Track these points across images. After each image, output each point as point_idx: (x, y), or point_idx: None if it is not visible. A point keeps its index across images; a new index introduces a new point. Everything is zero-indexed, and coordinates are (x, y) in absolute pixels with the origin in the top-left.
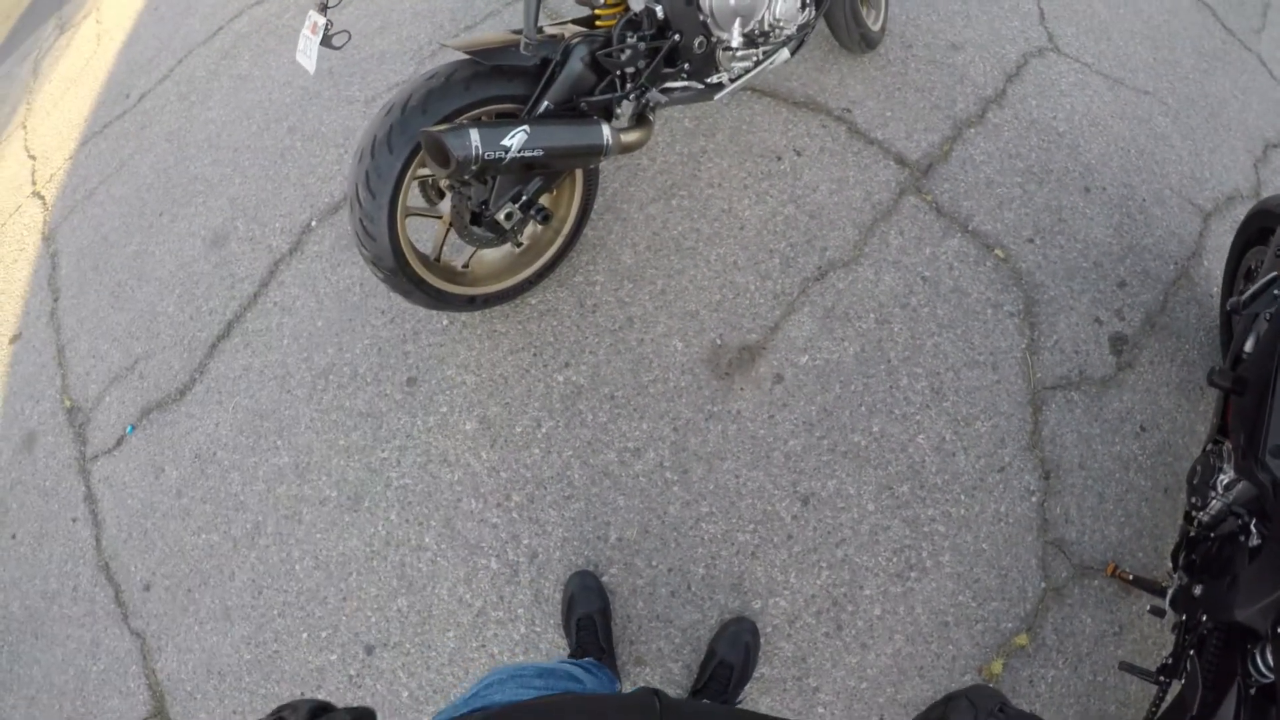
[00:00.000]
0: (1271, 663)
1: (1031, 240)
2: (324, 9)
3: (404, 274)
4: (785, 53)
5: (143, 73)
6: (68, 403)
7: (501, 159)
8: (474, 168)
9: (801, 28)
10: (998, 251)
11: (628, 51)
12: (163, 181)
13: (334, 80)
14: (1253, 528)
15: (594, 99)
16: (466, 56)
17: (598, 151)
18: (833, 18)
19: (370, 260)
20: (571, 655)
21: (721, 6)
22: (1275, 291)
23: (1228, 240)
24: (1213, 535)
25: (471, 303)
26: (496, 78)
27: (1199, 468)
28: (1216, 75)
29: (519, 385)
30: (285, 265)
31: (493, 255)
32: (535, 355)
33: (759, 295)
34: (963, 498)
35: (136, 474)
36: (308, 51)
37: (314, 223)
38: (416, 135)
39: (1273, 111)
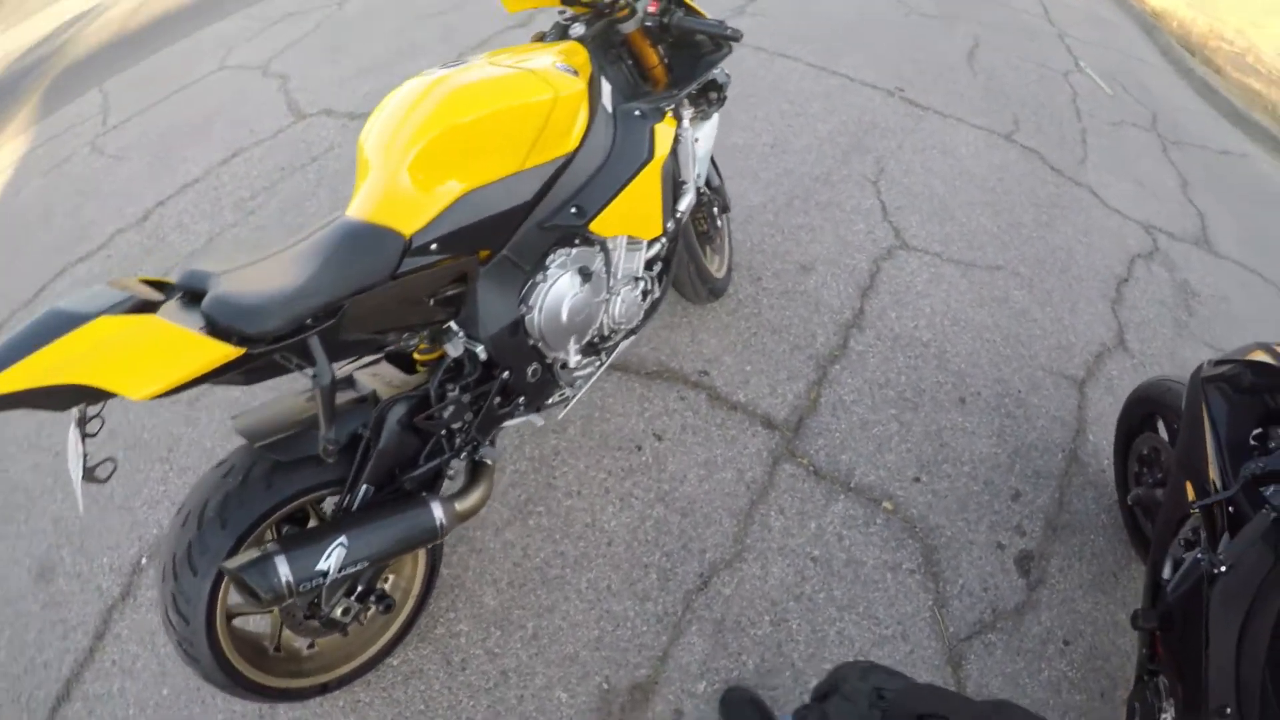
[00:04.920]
0: None
1: (918, 479)
2: (82, 425)
3: (240, 685)
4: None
5: None
6: None
7: (321, 585)
8: (291, 599)
9: (647, 312)
10: (885, 504)
11: (451, 408)
12: None
13: None
14: None
15: (418, 473)
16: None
17: (432, 538)
18: (677, 280)
19: (200, 676)
20: None
21: (553, 329)
22: (1198, 557)
23: (1106, 406)
24: None
25: (324, 689)
26: (303, 464)
27: (1137, 704)
28: (1057, 224)
29: None
30: (119, 614)
31: None
32: None
33: (640, 621)
34: None
35: None
36: (75, 479)
37: (144, 560)
38: (216, 561)
39: (1114, 243)
